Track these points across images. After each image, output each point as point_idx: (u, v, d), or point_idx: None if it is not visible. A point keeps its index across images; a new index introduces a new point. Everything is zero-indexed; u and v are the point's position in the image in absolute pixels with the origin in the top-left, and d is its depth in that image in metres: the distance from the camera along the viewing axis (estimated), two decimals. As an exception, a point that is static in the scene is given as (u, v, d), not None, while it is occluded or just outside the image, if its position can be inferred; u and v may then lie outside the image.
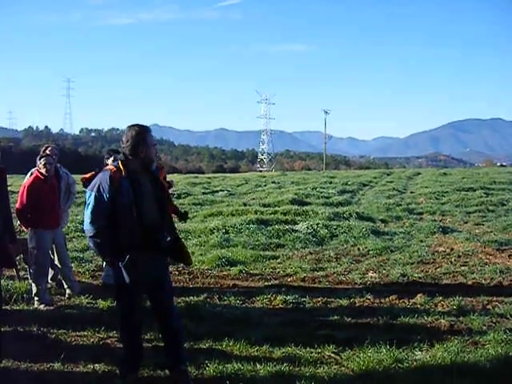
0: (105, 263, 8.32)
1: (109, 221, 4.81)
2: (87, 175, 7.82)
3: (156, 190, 5.06)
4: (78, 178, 8.75)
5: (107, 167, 5.10)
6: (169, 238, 4.99)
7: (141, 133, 4.93)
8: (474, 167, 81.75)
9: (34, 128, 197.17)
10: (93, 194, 4.83)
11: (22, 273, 8.90)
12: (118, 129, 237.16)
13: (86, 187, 5.59)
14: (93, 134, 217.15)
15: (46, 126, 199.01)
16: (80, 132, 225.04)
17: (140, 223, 4.82)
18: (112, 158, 8.42)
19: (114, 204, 4.79)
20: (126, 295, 5.00)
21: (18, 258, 7.73)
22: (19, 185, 9.13)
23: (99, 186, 4.82)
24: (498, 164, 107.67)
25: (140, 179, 4.93)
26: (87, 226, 4.85)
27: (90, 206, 4.84)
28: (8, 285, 8.06)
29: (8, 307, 7.47)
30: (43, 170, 7.78)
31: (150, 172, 5.07)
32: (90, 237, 4.86)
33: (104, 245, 4.88)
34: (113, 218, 4.82)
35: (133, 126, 4.99)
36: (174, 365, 5.14)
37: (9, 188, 6.36)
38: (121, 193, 4.79)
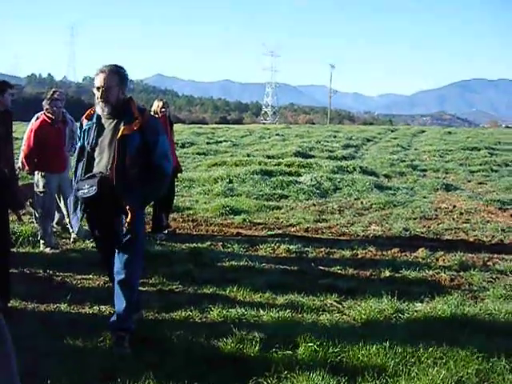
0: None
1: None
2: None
3: (112, 138, 4.62)
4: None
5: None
6: (85, 192, 4.57)
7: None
8: (479, 127, 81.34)
9: (37, 75, 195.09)
10: None
11: (27, 217, 8.97)
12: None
13: None
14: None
15: (49, 74, 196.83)
16: (83, 80, 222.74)
17: (84, 168, 4.70)
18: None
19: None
20: (94, 236, 5.07)
21: (27, 202, 7.77)
22: (22, 131, 9.13)
23: None
24: (503, 125, 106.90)
25: (103, 126, 4.70)
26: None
27: None
28: (14, 228, 8.12)
29: (14, 250, 7.55)
30: (50, 114, 7.77)
31: (115, 118, 4.64)
32: None
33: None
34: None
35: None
36: (116, 326, 4.81)
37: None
38: (84, 133, 4.78)
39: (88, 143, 4.69)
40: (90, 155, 4.69)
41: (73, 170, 4.83)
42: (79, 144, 4.83)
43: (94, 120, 4.71)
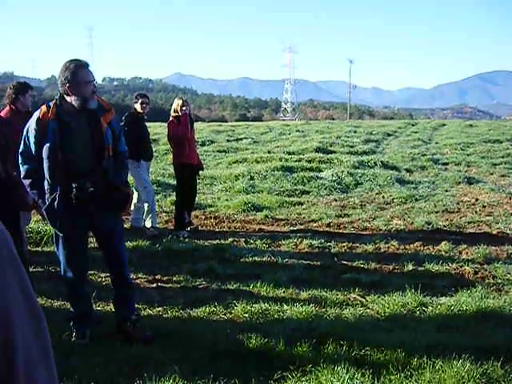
0: (133, 207, 8.46)
1: (38, 164, 4.54)
2: None
3: (93, 133, 4.61)
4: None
5: (42, 107, 4.67)
6: (91, 189, 4.53)
7: (70, 68, 4.52)
8: (501, 120, 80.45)
9: (57, 77, 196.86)
10: (22, 135, 4.60)
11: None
12: (140, 77, 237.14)
13: None
14: (115, 83, 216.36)
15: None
16: (103, 81, 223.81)
17: (64, 169, 4.49)
18: (140, 102, 8.54)
19: (40, 147, 4.50)
20: (64, 240, 4.71)
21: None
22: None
23: (28, 127, 4.59)
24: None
25: (73, 121, 4.56)
26: (19, 167, 4.66)
27: (20, 148, 4.62)
28: (38, 227, 8.22)
29: (39, 249, 7.66)
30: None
31: (89, 112, 4.60)
32: (22, 178, 4.65)
33: (34, 187, 4.62)
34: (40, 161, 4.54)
35: (67, 61, 4.60)
36: (126, 315, 4.96)
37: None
38: (46, 135, 4.48)
39: (64, 140, 4.50)
40: (66, 153, 4.51)
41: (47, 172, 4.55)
42: (47, 145, 4.47)
43: (63, 117, 4.55)
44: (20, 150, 4.62)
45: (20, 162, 4.63)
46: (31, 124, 4.56)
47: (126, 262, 5.04)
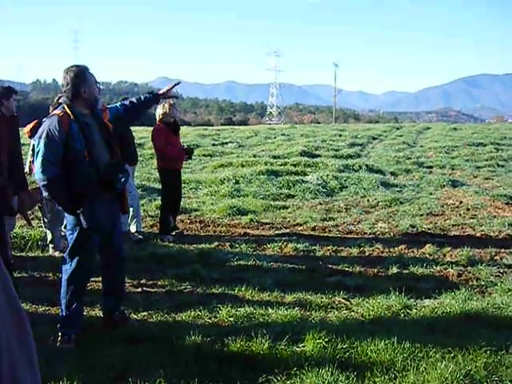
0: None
1: (62, 167, 4.59)
2: (30, 125, 7.53)
3: (103, 132, 4.84)
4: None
5: (54, 112, 4.79)
6: (123, 179, 4.84)
7: (80, 72, 4.71)
8: (485, 123, 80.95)
9: (42, 81, 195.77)
10: (42, 140, 4.56)
11: (36, 221, 9.01)
12: (126, 81, 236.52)
13: (33, 137, 5.53)
14: (101, 87, 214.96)
15: (54, 79, 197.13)
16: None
17: (94, 167, 4.67)
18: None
19: (66, 149, 4.58)
20: (85, 242, 4.83)
21: (35, 206, 7.84)
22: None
23: (48, 131, 4.57)
24: (510, 120, 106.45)
25: (88, 122, 4.74)
26: (39, 175, 4.55)
27: (41, 154, 4.55)
28: (23, 232, 8.17)
29: (23, 254, 7.61)
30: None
31: (95, 113, 4.84)
32: (44, 186, 4.59)
33: (60, 192, 4.67)
34: (66, 163, 4.60)
35: (69, 67, 4.75)
36: (116, 308, 5.28)
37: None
38: (72, 137, 4.59)
39: (89, 140, 4.69)
40: (91, 152, 4.69)
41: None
42: (76, 144, 4.61)
43: (81, 119, 4.72)
44: (42, 158, 4.54)
45: (41, 169, 4.54)
46: (51, 128, 4.57)
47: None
